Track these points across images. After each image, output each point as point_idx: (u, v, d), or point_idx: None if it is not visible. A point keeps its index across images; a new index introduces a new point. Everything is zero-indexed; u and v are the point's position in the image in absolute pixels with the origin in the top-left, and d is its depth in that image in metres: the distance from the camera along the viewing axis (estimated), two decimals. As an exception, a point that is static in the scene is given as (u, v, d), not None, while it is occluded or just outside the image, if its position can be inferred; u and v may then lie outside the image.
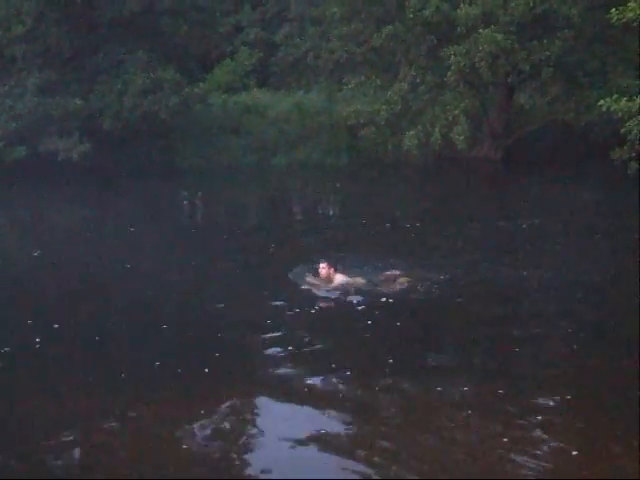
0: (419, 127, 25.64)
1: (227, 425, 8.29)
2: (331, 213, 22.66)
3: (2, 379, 9.54)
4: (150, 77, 25.78)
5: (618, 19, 16.85)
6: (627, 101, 16.96)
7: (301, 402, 8.71)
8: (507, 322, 11.40)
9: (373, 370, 9.57)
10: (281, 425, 8.18)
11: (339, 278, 12.76)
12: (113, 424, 8.32)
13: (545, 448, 7.62)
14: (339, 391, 8.99)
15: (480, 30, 23.61)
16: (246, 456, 7.65)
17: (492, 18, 23.92)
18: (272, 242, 16.85)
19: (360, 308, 11.79)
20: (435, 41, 25.15)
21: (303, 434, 7.89)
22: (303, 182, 27.41)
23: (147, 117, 26.01)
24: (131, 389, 9.09)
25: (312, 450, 7.65)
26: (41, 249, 16.13)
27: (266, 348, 10.40)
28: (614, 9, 16.92)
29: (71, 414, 8.57)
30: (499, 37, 23.32)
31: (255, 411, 8.67)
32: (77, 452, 7.91)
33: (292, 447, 7.68)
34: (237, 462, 7.57)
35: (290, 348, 10.25)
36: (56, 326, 11.13)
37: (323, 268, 12.87)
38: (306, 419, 8.31)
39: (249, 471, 7.40)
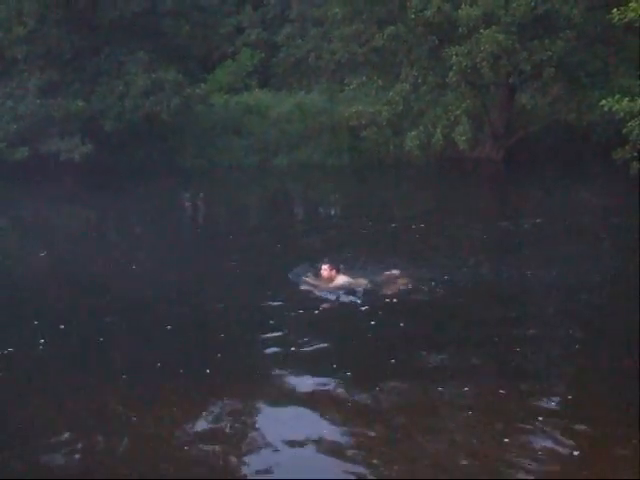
0: (421, 127, 25.62)
1: (227, 426, 8.28)
2: (332, 213, 22.65)
3: (4, 379, 9.54)
4: (151, 78, 25.78)
5: (620, 19, 16.84)
6: (629, 101, 16.94)
7: (301, 403, 8.70)
8: (508, 322, 11.37)
9: (374, 371, 9.57)
10: (281, 426, 8.18)
11: (341, 279, 12.75)
12: (113, 424, 8.33)
13: (546, 448, 7.60)
14: (340, 392, 8.97)
15: (482, 30, 23.57)
16: (246, 457, 7.65)
17: (493, 18, 23.89)
18: (273, 242, 16.84)
19: (362, 309, 11.79)
20: (437, 41, 25.14)
21: (303, 435, 7.88)
22: (304, 182, 27.41)
23: (149, 118, 26.04)
24: (132, 389, 9.09)
25: (312, 451, 7.65)
26: (44, 250, 16.13)
27: (267, 349, 10.39)
28: (616, 9, 16.90)
29: (71, 414, 8.57)
30: (500, 37, 23.29)
31: (255, 412, 8.66)
32: (77, 452, 7.90)
33: (292, 448, 7.68)
34: (237, 463, 7.56)
35: (292, 349, 10.24)
36: (61, 327, 11.15)
37: (325, 270, 12.86)
38: (306, 420, 8.31)
39: (249, 472, 7.39)
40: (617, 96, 17.24)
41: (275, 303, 12.14)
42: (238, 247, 16.50)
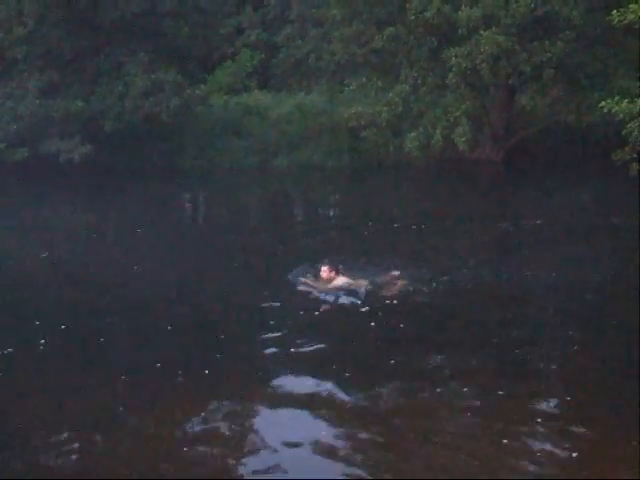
0: (420, 129, 25.63)
1: (225, 427, 8.28)
2: (332, 214, 22.64)
3: (4, 379, 9.56)
4: (151, 79, 25.79)
5: (619, 21, 16.84)
6: (628, 103, 16.94)
7: (300, 404, 8.70)
8: (508, 323, 11.38)
9: (373, 372, 9.57)
10: (279, 427, 8.18)
11: (340, 280, 12.75)
12: (113, 424, 8.33)
13: (545, 449, 7.60)
14: (338, 393, 8.95)
15: (481, 32, 23.59)
16: (244, 459, 7.65)
17: (493, 20, 23.91)
18: (273, 243, 16.86)
19: (361, 309, 11.79)
20: (436, 43, 25.13)
21: (301, 437, 7.88)
22: (304, 183, 27.40)
23: (148, 119, 26.03)
24: (131, 390, 9.09)
25: (310, 453, 7.64)
26: (45, 251, 16.12)
27: (266, 350, 10.40)
28: (615, 11, 16.90)
29: (71, 414, 8.58)
30: (500, 39, 23.30)
31: (254, 413, 8.65)
32: (77, 452, 7.90)
33: (290, 449, 7.68)
34: (235, 464, 7.57)
35: (291, 350, 10.25)
36: (62, 327, 11.16)
37: (324, 271, 12.86)
38: (305, 421, 8.31)
39: (246, 473, 7.39)
40: (617, 97, 17.24)
41: (274, 304, 12.14)
42: (238, 248, 16.50)
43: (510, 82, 26.18)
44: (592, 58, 25.01)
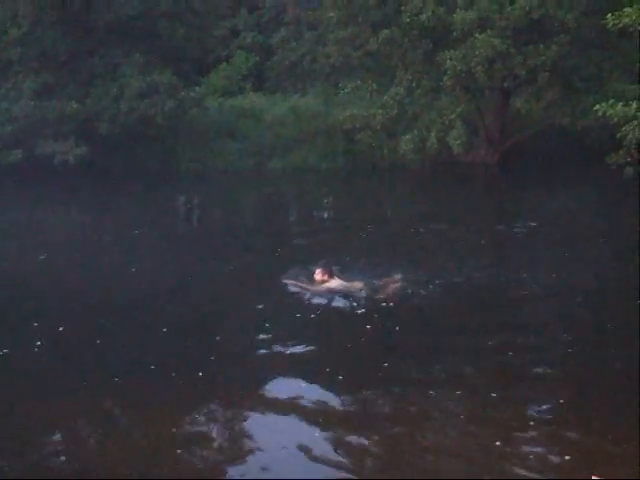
0: (415, 131, 25.67)
1: (218, 429, 8.27)
2: (327, 217, 22.65)
3: (2, 380, 9.55)
4: (146, 80, 25.77)
5: (614, 24, 16.86)
6: (623, 106, 16.98)
7: (293, 407, 8.66)
8: (504, 326, 11.34)
9: (366, 376, 9.52)
10: (272, 431, 8.14)
11: (334, 282, 12.73)
12: (111, 425, 8.35)
13: (544, 449, 7.59)
14: (331, 397, 8.90)
15: (476, 35, 23.66)
16: (235, 461, 7.62)
17: (488, 23, 23.97)
18: (267, 245, 16.84)
19: (356, 312, 11.76)
20: (431, 45, 25.19)
21: (293, 440, 7.85)
22: (299, 186, 27.40)
23: (143, 120, 26.00)
24: (128, 391, 9.08)
25: (302, 457, 7.59)
26: (41, 252, 16.08)
27: (260, 352, 10.38)
28: (610, 14, 16.93)
29: (69, 415, 8.57)
30: (495, 42, 23.36)
31: (246, 416, 8.61)
32: (76, 452, 7.90)
33: (282, 453, 7.65)
34: (226, 467, 7.55)
35: (285, 352, 10.23)
36: (59, 329, 11.14)
37: (318, 274, 12.86)
38: (297, 425, 8.27)
39: (238, 476, 7.37)
40: (611, 101, 17.28)
41: (268, 306, 12.10)
42: (232, 250, 16.49)
43: (505, 85, 26.22)
44: (587, 61, 25.08)
